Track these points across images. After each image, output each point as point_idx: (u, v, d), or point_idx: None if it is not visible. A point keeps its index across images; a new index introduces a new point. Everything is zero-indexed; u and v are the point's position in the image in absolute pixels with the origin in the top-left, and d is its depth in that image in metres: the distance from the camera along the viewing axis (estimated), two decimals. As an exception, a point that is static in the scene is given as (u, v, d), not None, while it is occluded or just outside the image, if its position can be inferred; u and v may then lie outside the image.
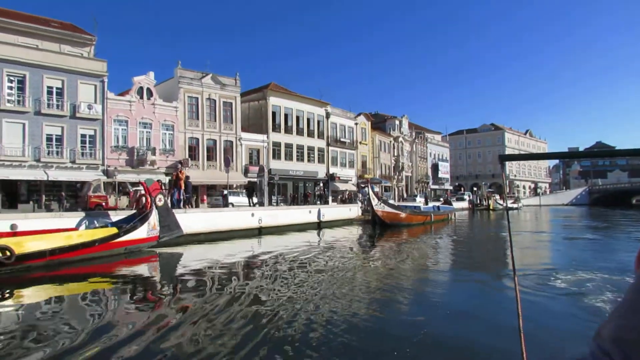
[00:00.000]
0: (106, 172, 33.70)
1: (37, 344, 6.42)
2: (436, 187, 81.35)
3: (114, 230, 13.99)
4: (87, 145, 33.43)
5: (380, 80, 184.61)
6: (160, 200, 16.46)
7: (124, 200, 23.87)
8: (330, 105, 53.68)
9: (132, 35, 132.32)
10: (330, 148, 53.40)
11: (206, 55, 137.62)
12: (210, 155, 40.86)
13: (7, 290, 9.98)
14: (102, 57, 35.63)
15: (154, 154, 36.15)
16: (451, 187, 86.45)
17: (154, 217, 15.83)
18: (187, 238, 19.23)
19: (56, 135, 32.05)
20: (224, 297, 9.06)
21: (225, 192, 31.65)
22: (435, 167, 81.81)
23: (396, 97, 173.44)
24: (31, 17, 35.86)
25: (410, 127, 76.04)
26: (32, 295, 9.96)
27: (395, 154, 68.67)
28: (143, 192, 16.77)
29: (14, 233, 12.43)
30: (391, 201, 44.95)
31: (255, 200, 30.84)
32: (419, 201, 52.86)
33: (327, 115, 53.14)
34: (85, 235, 12.91)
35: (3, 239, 10.46)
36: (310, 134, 50.81)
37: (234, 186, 39.75)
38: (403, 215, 35.16)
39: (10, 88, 30.40)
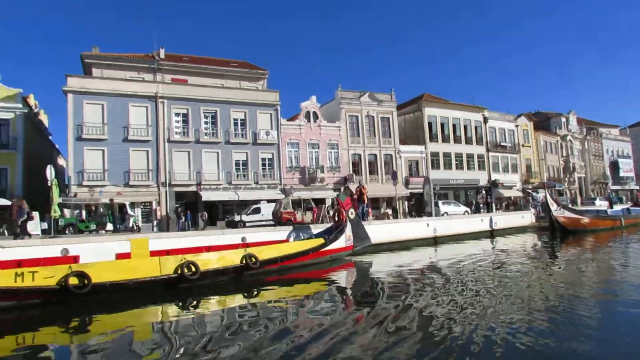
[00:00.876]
0: (283, 191, 37.27)
1: (241, 331, 7.72)
2: (617, 187, 71.96)
3: (322, 240, 15.73)
4: (267, 167, 37.45)
5: (536, 76, 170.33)
6: (352, 213, 17.98)
7: (308, 216, 26.26)
8: (487, 109, 51.74)
9: (285, 62, 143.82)
10: (490, 154, 51.30)
11: (346, 73, 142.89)
12: (372, 169, 42.46)
13: (255, 289, 11.91)
14: (273, 88, 39.86)
15: (322, 171, 38.91)
16: (638, 187, 75.28)
17: (348, 229, 17.35)
18: (372, 247, 20.40)
19: (242, 160, 36.62)
20: (409, 302, 9.54)
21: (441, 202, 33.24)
22: (614, 165, 72.55)
23: (557, 93, 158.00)
24: (216, 61, 41.78)
25: (579, 122, 68.97)
26: (267, 294, 11.74)
27: (564, 154, 62.87)
28: (337, 206, 18.47)
29: (246, 245, 14.84)
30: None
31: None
32: (600, 204, 47.55)
33: (485, 120, 51.27)
34: (301, 245, 14.82)
35: (250, 248, 12.66)
36: (468, 141, 49.53)
37: (396, 198, 40.61)
38: (586, 220, 32.17)
39: (206, 123, 35.74)
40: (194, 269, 11.00)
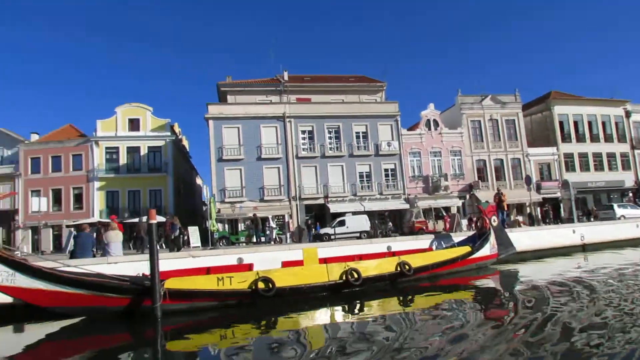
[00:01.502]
0: (407, 200, 37.32)
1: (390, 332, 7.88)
2: None
3: (469, 248, 15.68)
4: (390, 177, 37.84)
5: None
6: (494, 221, 17.60)
7: (440, 224, 26.09)
8: (630, 102, 46.70)
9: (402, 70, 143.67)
10: (636, 151, 46.10)
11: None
12: (499, 175, 40.66)
13: (409, 295, 12.27)
14: (392, 99, 40.30)
15: (446, 179, 38.24)
16: None
17: (492, 237, 17.01)
18: (516, 255, 19.65)
19: (366, 172, 37.46)
20: (555, 313, 9.00)
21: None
22: None
23: None
24: (334, 78, 43.46)
25: None
26: (421, 299, 11.99)
27: None
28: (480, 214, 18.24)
29: (392, 253, 15.35)
30: None
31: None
32: None
33: (627, 114, 46.30)
34: (449, 253, 14.95)
35: (402, 256, 13.17)
36: (607, 139, 45.08)
37: (527, 204, 38.39)
38: None
39: (330, 138, 37.28)
40: (356, 276, 11.75)
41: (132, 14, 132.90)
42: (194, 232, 23.95)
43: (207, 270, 11.71)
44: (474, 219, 21.42)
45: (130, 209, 38.01)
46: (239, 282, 10.43)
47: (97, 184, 38.43)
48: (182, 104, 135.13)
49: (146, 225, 16.52)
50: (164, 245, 24.41)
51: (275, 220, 34.13)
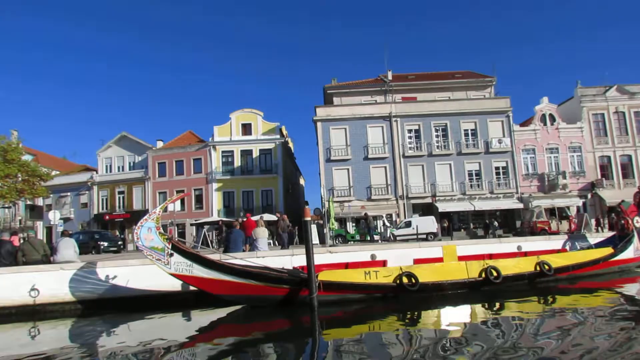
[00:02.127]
0: (521, 199, 35.52)
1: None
2: None
3: (611, 250, 14.68)
4: (501, 176, 36.29)
5: None
6: (637, 221, 16.26)
7: (564, 225, 24.55)
8: None
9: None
10: None
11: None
12: (626, 172, 37.15)
13: (550, 297, 11.78)
14: (502, 95, 38.63)
15: (564, 177, 35.78)
16: None
17: (635, 238, 15.75)
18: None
19: (475, 170, 36.29)
20: None
21: None
22: None
23: None
24: (440, 75, 42.67)
25: None
26: (561, 301, 11.42)
27: None
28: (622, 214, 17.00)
29: (524, 253, 14.88)
30: None
31: None
32: None
33: None
34: (590, 254, 14.13)
35: (542, 256, 12.73)
36: None
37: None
38: None
39: (437, 136, 36.68)
40: (495, 274, 11.60)
41: (242, 26, 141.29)
42: (313, 230, 24.89)
43: (346, 266, 12.25)
44: (613, 218, 19.92)
45: (245, 207, 40.45)
46: (385, 277, 10.81)
47: (215, 185, 41.46)
48: (286, 107, 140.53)
49: (283, 224, 17.67)
50: (276, 242, 25.66)
51: (388, 218, 34.32)
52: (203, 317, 10.85)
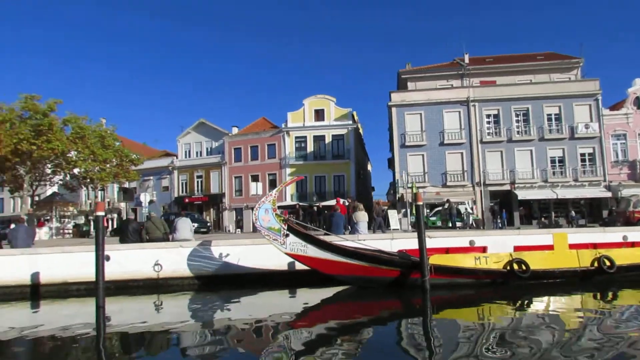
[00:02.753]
0: (608, 188, 33.57)
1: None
2: None
3: None
4: (587, 163, 34.43)
5: None
6: None
7: (664, 214, 23.00)
8: None
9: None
10: None
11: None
12: None
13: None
14: (591, 77, 36.43)
15: (660, 164, 33.37)
16: None
17: None
18: None
19: (558, 157, 34.68)
20: None
21: None
22: None
23: None
24: (520, 57, 40.86)
25: None
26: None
27: None
28: None
29: (631, 243, 14.19)
30: None
31: None
32: None
33: None
34: None
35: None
36: None
37: None
38: None
39: (517, 121, 35.32)
40: (609, 263, 11.20)
41: (314, 14, 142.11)
42: (393, 215, 25.06)
43: (446, 251, 12.30)
44: None
45: (317, 192, 41.17)
46: (495, 262, 10.78)
47: (288, 170, 42.44)
48: (356, 92, 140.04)
49: (379, 208, 17.98)
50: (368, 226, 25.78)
51: (469, 204, 33.61)
52: (311, 296, 11.37)
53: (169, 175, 48.27)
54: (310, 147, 42.48)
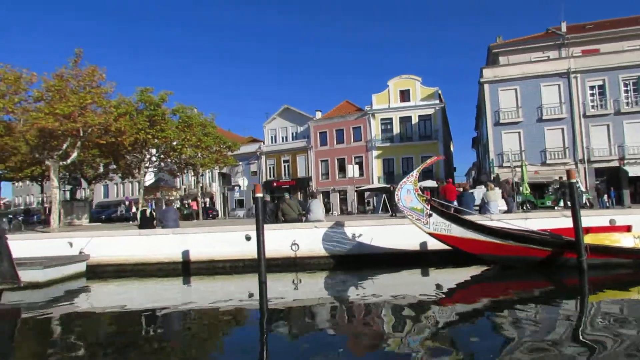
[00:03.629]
0: None
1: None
2: None
3: None
4: None
5: None
6: None
7: None
8: None
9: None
10: None
11: None
12: None
13: None
14: None
15: None
16: None
17: None
18: None
19: (675, 129, 31.69)
20: None
21: None
22: None
23: None
24: (625, 21, 37.49)
25: None
26: None
27: None
28: None
29: None
30: None
31: None
32: None
33: None
34: None
35: None
36: None
37: None
38: None
39: (627, 92, 32.63)
40: None
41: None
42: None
43: (587, 230, 11.80)
44: None
45: (405, 174, 40.82)
46: None
47: (374, 153, 42.45)
48: (438, 71, 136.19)
49: (508, 188, 17.58)
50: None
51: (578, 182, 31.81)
52: (447, 276, 11.41)
53: (257, 161, 50.06)
54: (396, 129, 42.12)
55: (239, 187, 34.12)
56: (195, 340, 6.38)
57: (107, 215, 41.44)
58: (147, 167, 30.93)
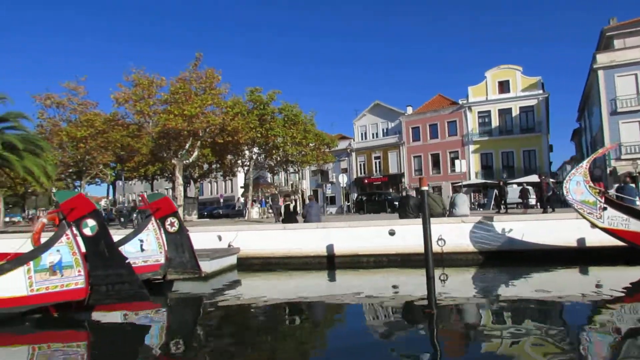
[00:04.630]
0: None
1: None
2: None
3: None
4: None
5: None
6: None
7: None
8: None
9: None
10: None
11: None
12: None
13: None
14: None
15: None
16: None
17: None
18: None
19: None
20: None
21: None
22: None
23: None
24: None
25: None
26: None
27: None
28: None
29: None
30: None
31: None
32: None
33: None
34: None
35: None
36: None
37: None
38: None
39: None
40: None
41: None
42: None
43: None
44: None
45: (506, 168, 39.07)
46: None
47: (471, 147, 41.00)
48: (540, 60, 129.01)
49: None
50: (538, 205, 23.55)
51: None
52: (616, 273, 10.68)
53: (347, 158, 50.26)
54: (495, 122, 40.36)
55: (339, 183, 34.39)
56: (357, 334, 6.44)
57: (209, 211, 43.61)
58: (248, 165, 32.15)
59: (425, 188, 9.79)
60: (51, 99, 23.26)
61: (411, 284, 10.29)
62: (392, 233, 12.28)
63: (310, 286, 11.22)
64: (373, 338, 6.57)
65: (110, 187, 43.70)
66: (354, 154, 49.78)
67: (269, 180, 48.93)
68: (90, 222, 7.35)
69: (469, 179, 39.84)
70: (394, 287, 10.33)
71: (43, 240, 7.57)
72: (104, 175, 33.60)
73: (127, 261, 7.34)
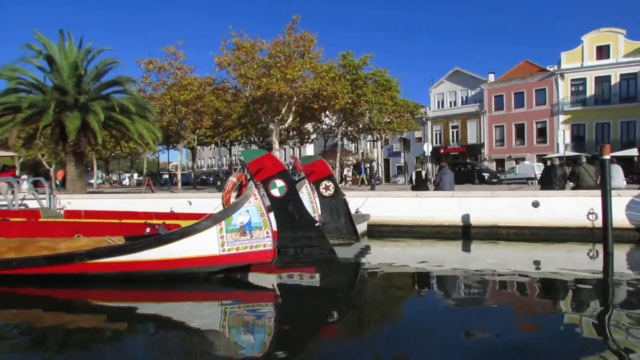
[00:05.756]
0: None
1: None
2: None
3: None
4: None
5: None
6: None
7: None
8: None
9: None
10: None
11: None
12: None
13: None
14: None
15: None
16: None
17: None
18: None
19: None
20: None
21: None
22: None
23: None
24: None
25: None
26: None
27: None
28: None
29: None
30: None
31: None
32: None
33: None
34: None
35: None
36: None
37: None
38: None
39: None
40: None
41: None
42: None
43: None
44: None
45: (599, 141, 36.52)
46: None
47: (562, 118, 38.60)
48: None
49: None
50: None
51: None
52: None
53: (422, 126, 48.83)
54: (590, 90, 37.59)
55: (422, 152, 33.54)
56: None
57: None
58: (336, 132, 31.77)
59: (607, 157, 9.06)
60: (154, 64, 23.73)
61: (560, 260, 9.67)
62: (535, 204, 11.59)
63: (446, 255, 10.81)
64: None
65: (188, 152, 44.84)
66: (429, 122, 48.28)
67: (350, 149, 48.60)
68: (279, 183, 7.26)
69: (556, 151, 37.63)
70: (536, 262, 9.70)
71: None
72: (192, 140, 34.54)
73: (316, 224, 7.22)
